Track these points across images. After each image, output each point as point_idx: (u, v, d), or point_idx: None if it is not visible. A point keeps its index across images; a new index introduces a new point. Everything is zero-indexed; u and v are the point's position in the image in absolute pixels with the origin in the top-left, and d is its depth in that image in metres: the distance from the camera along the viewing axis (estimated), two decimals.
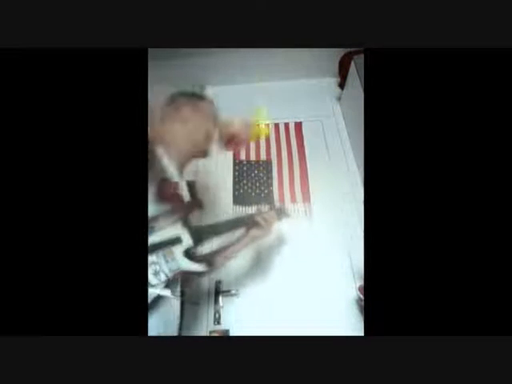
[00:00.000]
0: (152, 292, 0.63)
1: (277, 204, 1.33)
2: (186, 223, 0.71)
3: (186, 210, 0.74)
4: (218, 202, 1.36)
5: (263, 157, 1.51)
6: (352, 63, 1.39)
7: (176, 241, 0.68)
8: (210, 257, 0.79)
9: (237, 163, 1.49)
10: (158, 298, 0.65)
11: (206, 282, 1.17)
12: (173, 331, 0.69)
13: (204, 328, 1.10)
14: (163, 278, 0.64)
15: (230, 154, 1.50)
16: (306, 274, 1.18)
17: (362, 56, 1.29)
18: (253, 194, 1.40)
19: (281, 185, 1.42)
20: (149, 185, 0.64)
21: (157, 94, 0.74)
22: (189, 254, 0.69)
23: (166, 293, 0.65)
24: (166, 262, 0.65)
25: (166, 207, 0.68)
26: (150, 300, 0.62)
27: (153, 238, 0.64)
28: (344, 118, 1.60)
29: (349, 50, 1.52)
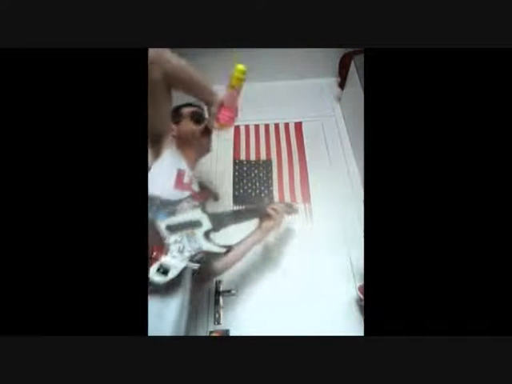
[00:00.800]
0: (177, 264, 0.66)
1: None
2: (205, 210, 0.79)
3: (202, 199, 0.82)
4: (218, 202, 1.35)
5: (263, 157, 1.50)
6: (352, 63, 1.39)
7: (197, 223, 0.75)
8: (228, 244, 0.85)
9: (237, 163, 1.49)
10: (174, 283, 0.67)
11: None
12: (173, 331, 0.69)
13: (204, 328, 1.10)
14: (187, 254, 0.70)
15: (230, 154, 1.50)
16: (305, 274, 1.17)
17: (362, 56, 1.29)
18: (253, 193, 1.40)
19: (281, 185, 1.41)
20: (169, 173, 0.77)
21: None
22: (209, 237, 0.76)
23: (192, 265, 0.70)
24: (189, 241, 0.71)
25: (185, 193, 0.77)
26: (174, 275, 0.65)
27: (177, 219, 0.71)
28: (344, 118, 1.59)
29: (349, 50, 1.51)
